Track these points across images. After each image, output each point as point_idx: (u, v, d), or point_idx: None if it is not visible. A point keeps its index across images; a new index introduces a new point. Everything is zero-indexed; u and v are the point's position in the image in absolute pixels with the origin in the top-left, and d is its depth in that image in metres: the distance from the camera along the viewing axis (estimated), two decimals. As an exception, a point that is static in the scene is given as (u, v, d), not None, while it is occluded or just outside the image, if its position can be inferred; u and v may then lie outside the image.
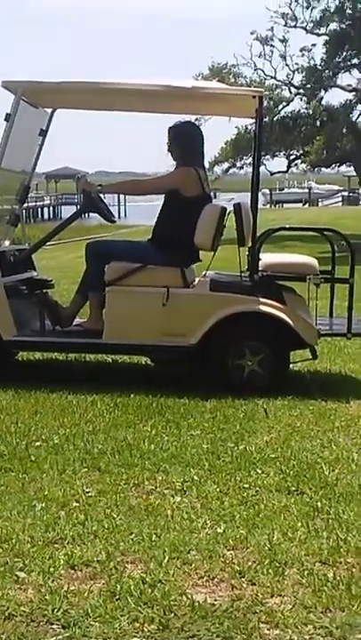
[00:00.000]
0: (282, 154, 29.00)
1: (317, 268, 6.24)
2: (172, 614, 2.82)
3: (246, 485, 4.07)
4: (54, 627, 2.76)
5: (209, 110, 9.51)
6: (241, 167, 28.79)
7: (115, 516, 3.65)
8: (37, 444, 4.69)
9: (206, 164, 6.88)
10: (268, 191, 58.35)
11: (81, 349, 6.72)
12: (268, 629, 2.76)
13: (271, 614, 2.83)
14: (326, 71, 26.80)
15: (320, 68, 26.99)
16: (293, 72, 27.83)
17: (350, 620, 2.79)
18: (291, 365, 6.33)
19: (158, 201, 6.48)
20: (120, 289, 6.09)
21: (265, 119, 23.06)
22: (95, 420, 5.19)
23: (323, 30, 26.89)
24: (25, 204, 7.32)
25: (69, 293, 7.16)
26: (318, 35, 27.01)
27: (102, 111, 7.74)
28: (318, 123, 26.84)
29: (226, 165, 29.39)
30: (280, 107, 27.69)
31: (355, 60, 26.54)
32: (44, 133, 7.04)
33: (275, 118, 27.06)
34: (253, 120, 6.69)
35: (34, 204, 51.63)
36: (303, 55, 27.49)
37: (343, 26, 26.11)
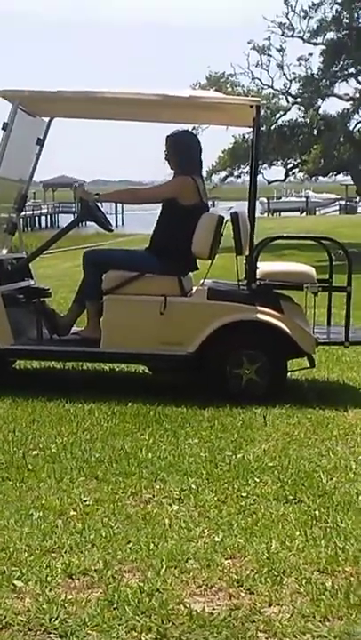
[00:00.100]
0: (279, 163, 29.05)
1: (315, 277, 6.25)
2: (170, 623, 2.82)
3: (244, 494, 4.06)
4: (52, 636, 2.75)
5: (206, 119, 9.54)
6: (239, 176, 28.86)
7: (112, 525, 3.65)
8: (35, 452, 4.68)
9: (204, 173, 6.88)
10: (265, 200, 58.45)
11: (78, 358, 6.72)
12: (267, 638, 2.75)
13: (269, 623, 2.82)
14: (323, 80, 26.88)
15: (317, 77, 27.07)
16: (291, 81, 27.93)
17: (349, 629, 2.79)
18: (289, 374, 6.33)
19: (156, 210, 6.48)
20: (118, 297, 6.09)
21: (262, 128, 23.12)
22: (93, 428, 5.19)
23: (320, 40, 26.99)
24: (22, 213, 7.32)
25: (67, 302, 7.17)
26: (315, 44, 27.10)
27: (100, 120, 7.75)
28: (316, 132, 26.90)
29: (223, 174, 29.45)
30: (277, 116, 27.76)
31: (352, 70, 26.62)
32: (41, 142, 7.05)
33: (272, 127, 27.13)
34: (251, 129, 6.70)
35: (31, 212, 51.71)
36: (300, 64, 27.60)
37: (340, 35, 26.20)
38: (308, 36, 26.98)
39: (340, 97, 27.17)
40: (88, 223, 7.38)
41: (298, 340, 5.98)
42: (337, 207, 62.57)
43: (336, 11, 26.15)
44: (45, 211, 59.58)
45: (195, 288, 6.24)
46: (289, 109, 28.09)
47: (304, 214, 59.05)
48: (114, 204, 36.95)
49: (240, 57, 57.39)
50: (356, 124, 27.41)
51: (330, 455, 4.74)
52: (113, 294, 6.09)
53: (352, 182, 31.65)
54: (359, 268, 6.68)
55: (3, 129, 6.17)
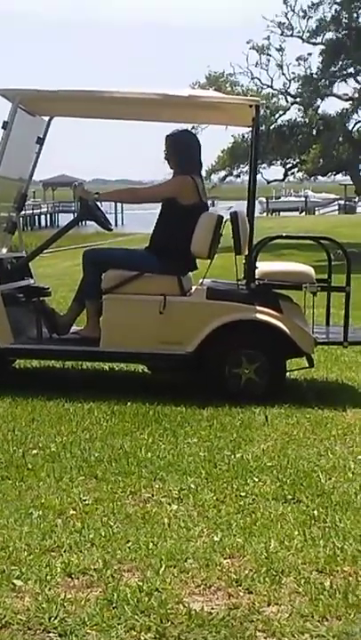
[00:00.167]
0: (278, 162, 29.05)
1: (314, 277, 6.25)
2: (169, 623, 2.82)
3: (243, 494, 4.07)
4: (51, 635, 2.76)
5: (206, 119, 9.54)
6: (238, 175, 28.86)
7: (112, 524, 3.65)
8: (34, 451, 4.68)
9: (203, 173, 6.89)
10: (264, 199, 58.43)
11: (78, 357, 6.72)
12: (265, 638, 2.75)
13: (268, 623, 2.83)
14: (323, 80, 26.87)
15: (316, 77, 27.06)
16: (290, 81, 27.93)
17: (347, 629, 2.79)
18: (287, 374, 6.33)
19: (155, 209, 6.49)
20: (117, 297, 6.09)
21: (261, 128, 23.11)
22: (92, 427, 5.19)
23: (319, 39, 26.99)
24: (22, 212, 7.32)
25: (66, 301, 7.17)
26: (315, 44, 27.10)
27: (100, 119, 7.75)
28: (315, 131, 26.91)
29: (223, 174, 29.44)
30: (277, 115, 27.76)
31: (351, 69, 26.62)
32: (41, 141, 7.05)
33: (271, 127, 27.13)
34: (250, 129, 6.71)
35: (31, 211, 51.70)
36: (300, 64, 27.60)
37: (339, 35, 26.21)
38: (307, 36, 26.98)
39: (339, 97, 27.18)
40: (88, 222, 7.38)
41: (297, 340, 5.98)
42: (336, 207, 62.54)
43: (335, 10, 26.17)
44: (45, 210, 59.56)
45: (194, 287, 6.24)
46: (288, 109, 28.12)
47: (303, 214, 59.01)
48: (113, 203, 36.97)
49: (240, 57, 57.43)
50: (356, 123, 27.45)
51: (329, 455, 4.74)
52: (112, 293, 6.10)
53: (351, 182, 31.66)
54: (358, 268, 6.68)
55: (3, 128, 6.18)
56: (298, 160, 28.92)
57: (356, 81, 26.76)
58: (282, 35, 27.54)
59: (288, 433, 5.18)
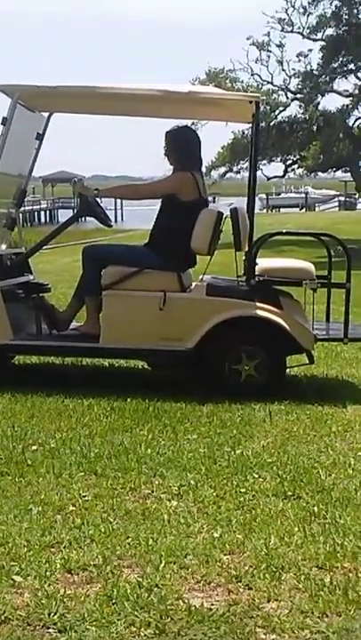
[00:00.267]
0: (278, 159, 29.05)
1: (314, 273, 6.25)
2: (169, 619, 2.82)
3: (243, 490, 4.07)
4: (50, 631, 2.75)
5: (206, 115, 9.51)
6: (238, 172, 28.84)
7: (111, 521, 3.65)
8: (34, 447, 4.68)
9: (203, 169, 6.88)
10: (264, 196, 58.41)
11: (78, 353, 6.72)
12: (265, 634, 2.75)
13: (268, 619, 2.83)
14: (323, 76, 26.88)
15: (317, 73, 27.07)
16: (290, 77, 27.95)
17: (347, 625, 2.79)
18: (287, 370, 6.33)
19: (155, 205, 6.48)
20: (117, 293, 6.09)
21: (261, 124, 23.09)
22: (92, 424, 5.19)
23: (319, 36, 26.99)
24: (22, 208, 7.31)
25: (66, 297, 7.17)
26: (315, 40, 27.11)
27: (99, 115, 7.74)
28: (315, 128, 26.90)
29: (223, 170, 29.43)
30: (277, 112, 27.76)
31: (351, 66, 26.63)
32: (40, 137, 7.04)
33: (271, 123, 27.12)
34: (250, 125, 6.70)
35: (30, 207, 51.67)
36: (300, 60, 27.63)
37: (340, 31, 26.20)
38: (307, 32, 27.00)
39: (339, 93, 27.19)
40: (87, 219, 7.37)
41: (297, 337, 5.98)
42: (336, 203, 62.54)
43: (335, 6, 26.17)
44: (45, 206, 59.54)
45: (194, 284, 6.23)
46: (288, 105, 28.11)
47: (303, 210, 59.01)
48: (113, 199, 36.96)
49: (239, 53, 57.32)
50: (356, 120, 27.45)
51: (329, 451, 4.74)
52: (112, 290, 6.09)
53: (351, 178, 31.66)
54: (358, 265, 6.68)
55: (2, 124, 6.16)
56: (298, 156, 28.92)
57: (357, 77, 26.80)
58: (282, 31, 27.59)
59: (288, 429, 5.18)
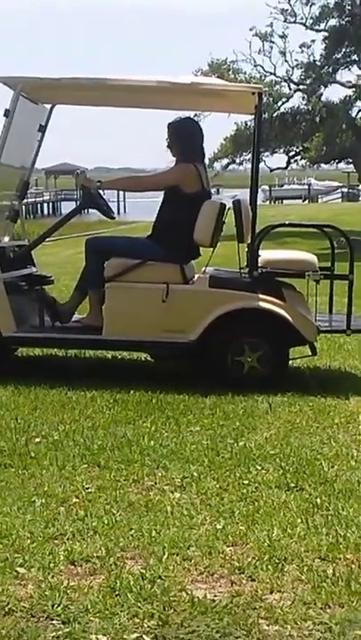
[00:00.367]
0: (281, 150, 28.98)
1: (317, 265, 6.24)
2: (172, 610, 2.83)
3: (246, 482, 4.07)
4: (54, 622, 2.76)
5: (208, 106, 9.50)
6: (240, 163, 28.78)
7: (114, 512, 3.66)
8: (37, 440, 4.69)
9: (206, 161, 6.87)
10: (267, 187, 58.33)
11: (81, 345, 6.72)
12: (268, 625, 2.76)
13: (271, 610, 2.83)
14: (326, 67, 26.79)
15: (319, 64, 26.97)
16: (293, 68, 27.83)
17: (350, 616, 2.80)
18: (290, 362, 6.33)
19: (158, 197, 6.47)
20: (120, 285, 6.09)
21: (264, 115, 23.06)
22: (95, 416, 5.19)
23: (322, 26, 26.89)
24: (24, 200, 7.31)
25: (69, 289, 7.16)
26: (318, 31, 27.01)
27: (102, 107, 7.73)
28: (318, 119, 26.81)
29: (225, 161, 29.38)
30: (279, 103, 27.67)
31: (354, 57, 26.52)
32: (43, 129, 7.03)
33: (274, 114, 27.04)
34: (253, 116, 6.68)
35: (33, 199, 51.63)
36: (303, 51, 27.51)
37: (342, 22, 26.09)
38: (310, 23, 26.89)
39: (342, 84, 27.09)
40: (90, 211, 7.37)
41: (300, 328, 5.98)
42: (339, 195, 62.46)
43: (339, -3, 26.05)
44: (47, 198, 59.50)
45: (197, 276, 6.23)
46: (291, 96, 28.03)
47: (306, 202, 58.93)
48: (116, 191, 36.97)
49: (242, 43, 57.17)
50: (359, 111, 27.37)
51: (331, 443, 4.74)
52: (115, 282, 6.09)
53: (354, 170, 31.59)
54: (361, 256, 6.68)
55: (5, 116, 6.16)
56: (301, 148, 28.85)
57: (360, 68, 26.69)
58: (285, 21, 27.48)
59: (291, 421, 5.18)
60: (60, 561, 3.18)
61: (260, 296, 6.00)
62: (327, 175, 67.18)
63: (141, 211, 33.43)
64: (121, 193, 51.56)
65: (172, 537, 3.39)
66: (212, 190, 6.81)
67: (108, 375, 6.29)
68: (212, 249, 6.15)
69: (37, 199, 54.87)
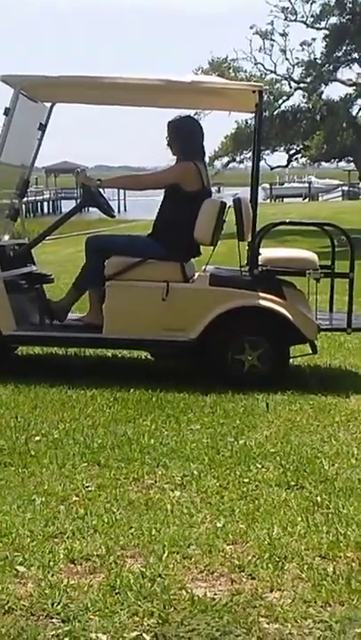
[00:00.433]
0: (282, 148, 28.94)
1: (317, 263, 6.24)
2: (172, 608, 2.83)
3: (246, 480, 4.07)
4: (54, 621, 2.76)
5: (209, 105, 9.50)
6: (241, 161, 28.75)
7: (114, 511, 3.66)
8: (37, 438, 4.69)
9: (206, 159, 6.87)
10: (268, 185, 58.31)
11: (81, 344, 6.72)
12: (268, 623, 2.76)
13: (271, 608, 2.83)
14: (326, 65, 26.75)
15: (320, 62, 26.94)
16: (293, 66, 27.77)
17: (350, 615, 2.80)
18: (291, 360, 6.33)
19: (158, 196, 6.47)
20: (120, 284, 6.09)
21: (265, 113, 23.04)
22: (95, 414, 5.19)
23: (323, 24, 26.84)
24: (24, 199, 7.30)
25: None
26: (318, 29, 26.95)
27: (102, 106, 7.72)
28: (318, 117, 26.77)
29: (226, 160, 29.35)
30: (280, 101, 27.63)
31: (355, 55, 26.48)
32: (43, 128, 7.02)
33: (275, 113, 27.00)
34: (253, 114, 6.68)
35: (33, 198, 51.63)
36: (303, 49, 27.44)
37: (343, 20, 26.06)
38: (311, 21, 26.84)
39: (343, 82, 27.05)
40: (90, 209, 7.37)
41: (300, 327, 5.97)
42: (340, 193, 62.44)
43: (339, -5, 26.01)
44: (48, 196, 59.49)
45: (197, 274, 6.23)
46: (292, 95, 27.98)
47: (307, 200, 58.91)
48: (116, 189, 36.94)
49: (242, 42, 57.18)
50: (359, 109, 27.33)
51: (332, 441, 4.74)
52: (115, 280, 6.09)
53: (355, 168, 31.56)
54: (362, 254, 6.67)
55: (5, 114, 6.15)
56: (301, 146, 28.81)
57: (360, 66, 26.65)
58: (285, 20, 27.42)
59: (291, 419, 5.18)
60: (59, 559, 3.18)
61: (261, 294, 6.00)
62: (328, 173, 67.15)
63: (142, 209, 33.44)
64: (121, 191, 51.57)
65: (172, 535, 3.39)
66: (214, 189, 6.81)
67: (109, 374, 6.29)
68: (212, 247, 6.15)
69: (37, 198, 54.87)
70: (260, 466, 4.27)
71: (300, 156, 30.04)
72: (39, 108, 6.92)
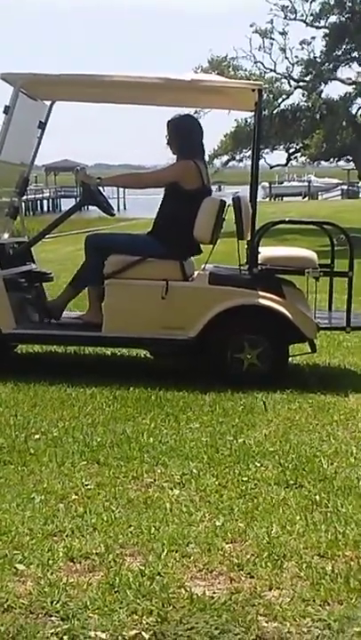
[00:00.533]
0: (281, 147, 28.95)
1: (316, 262, 6.24)
2: (171, 607, 2.83)
3: (245, 478, 4.07)
4: (53, 619, 2.76)
5: (208, 103, 9.50)
6: (240, 160, 28.75)
7: (114, 509, 3.66)
8: (36, 436, 4.69)
9: (206, 157, 6.87)
10: (267, 184, 58.29)
11: (80, 342, 6.73)
12: (267, 622, 2.76)
13: (269, 607, 2.83)
14: (326, 64, 26.75)
15: (320, 60, 26.93)
16: (293, 65, 27.79)
17: (348, 613, 2.80)
18: (290, 359, 6.33)
19: (158, 194, 6.47)
20: (119, 282, 6.09)
21: (264, 112, 23.04)
22: (94, 412, 5.20)
23: (322, 23, 26.84)
24: (24, 197, 7.30)
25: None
26: (318, 27, 26.95)
27: (102, 104, 7.72)
28: (318, 116, 26.77)
29: (225, 158, 29.35)
30: (280, 100, 27.63)
31: (354, 54, 26.48)
32: (43, 126, 7.03)
33: (274, 111, 27.00)
34: (253, 113, 6.68)
35: (33, 196, 51.55)
36: (303, 48, 27.45)
37: (343, 19, 26.05)
38: (310, 20, 26.84)
39: (342, 81, 27.05)
40: (90, 207, 7.37)
41: (299, 325, 5.98)
42: (339, 192, 62.42)
43: (339, -7, 25.99)
44: (47, 195, 59.40)
45: (196, 273, 6.23)
46: (291, 93, 27.98)
47: (306, 199, 58.88)
48: (116, 187, 36.91)
49: (241, 41, 57.16)
50: (359, 108, 27.33)
51: (331, 440, 4.74)
52: (115, 278, 6.09)
53: (354, 167, 31.55)
54: (361, 253, 6.68)
55: (4, 112, 6.15)
56: (301, 145, 28.82)
57: (360, 65, 26.63)
58: (285, 18, 27.42)
59: (290, 418, 5.19)
60: (59, 557, 3.18)
61: (260, 293, 6.00)
62: (327, 172, 67.07)
63: (141, 207, 33.43)
64: (121, 190, 51.55)
65: (171, 534, 3.39)
66: (214, 187, 6.81)
67: (108, 372, 6.29)
68: (212, 246, 6.15)
69: (37, 196, 54.78)
70: (259, 464, 4.28)
71: (299, 154, 30.05)
72: (39, 107, 6.92)
